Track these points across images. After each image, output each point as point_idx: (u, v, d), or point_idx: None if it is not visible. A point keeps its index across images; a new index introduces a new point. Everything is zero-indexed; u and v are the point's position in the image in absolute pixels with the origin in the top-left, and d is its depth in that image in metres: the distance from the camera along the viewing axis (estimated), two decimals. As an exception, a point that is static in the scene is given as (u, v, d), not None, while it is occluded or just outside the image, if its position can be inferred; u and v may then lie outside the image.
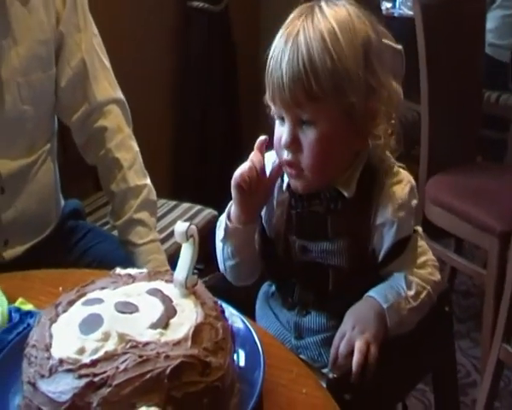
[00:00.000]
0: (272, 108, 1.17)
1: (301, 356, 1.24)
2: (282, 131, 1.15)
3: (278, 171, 1.20)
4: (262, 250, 1.27)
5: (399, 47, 1.16)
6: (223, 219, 1.25)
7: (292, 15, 1.14)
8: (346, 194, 1.17)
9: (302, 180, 1.16)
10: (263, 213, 1.27)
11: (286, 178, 1.22)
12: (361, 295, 1.19)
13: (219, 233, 1.26)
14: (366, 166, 1.19)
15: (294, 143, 1.13)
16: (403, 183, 1.18)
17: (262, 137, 1.20)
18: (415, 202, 1.19)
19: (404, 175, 1.20)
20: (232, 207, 1.22)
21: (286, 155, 1.15)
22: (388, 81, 1.16)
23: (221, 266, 1.29)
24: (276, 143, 1.17)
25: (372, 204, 1.17)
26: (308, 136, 1.12)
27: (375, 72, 1.14)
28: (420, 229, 1.26)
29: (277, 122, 1.17)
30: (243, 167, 1.17)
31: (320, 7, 1.13)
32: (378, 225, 1.17)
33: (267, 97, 1.16)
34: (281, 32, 1.13)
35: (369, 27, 1.14)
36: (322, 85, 1.09)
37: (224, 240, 1.25)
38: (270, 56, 1.13)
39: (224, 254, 1.27)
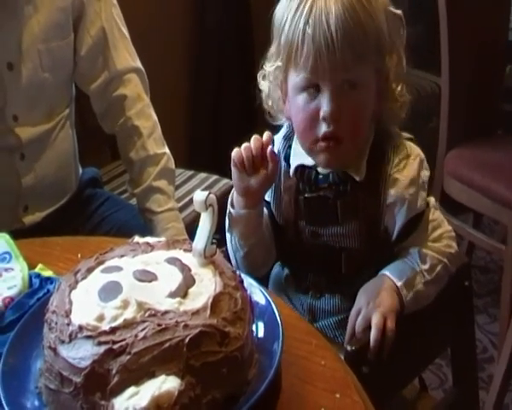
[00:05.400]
0: (297, 80, 1.11)
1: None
2: (314, 106, 1.10)
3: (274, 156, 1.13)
4: (274, 237, 1.25)
5: (399, 12, 1.15)
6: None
7: None
8: (357, 178, 1.14)
9: (335, 153, 1.12)
10: (271, 199, 1.23)
11: (293, 163, 1.18)
12: (375, 275, 1.18)
13: (226, 224, 1.21)
14: (374, 146, 1.16)
15: (338, 111, 1.09)
16: (411, 157, 1.16)
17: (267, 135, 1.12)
18: (425, 174, 1.17)
19: (413, 149, 1.18)
20: (234, 192, 1.17)
21: (326, 128, 1.10)
22: (398, 46, 1.15)
23: (233, 262, 1.24)
24: (308, 119, 1.12)
25: (381, 184, 1.15)
26: (351, 99, 1.09)
27: (392, 35, 1.13)
28: (433, 199, 1.23)
29: (305, 99, 1.11)
30: (242, 146, 1.12)
31: None
32: (389, 204, 1.15)
33: (301, 69, 1.10)
34: None
35: None
36: (369, 43, 1.08)
37: (230, 229, 1.20)
38: (299, 26, 1.08)
39: (232, 245, 1.22)
